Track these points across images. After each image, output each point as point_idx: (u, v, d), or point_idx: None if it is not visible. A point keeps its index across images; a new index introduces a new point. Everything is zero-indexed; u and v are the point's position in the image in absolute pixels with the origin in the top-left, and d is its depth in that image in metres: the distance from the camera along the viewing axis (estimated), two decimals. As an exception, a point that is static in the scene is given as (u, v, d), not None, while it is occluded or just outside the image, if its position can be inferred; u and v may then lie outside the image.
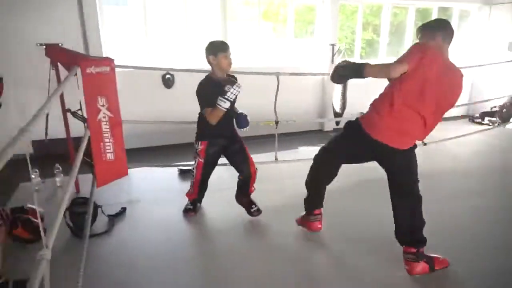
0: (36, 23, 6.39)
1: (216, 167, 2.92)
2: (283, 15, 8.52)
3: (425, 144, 4.07)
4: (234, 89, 2.60)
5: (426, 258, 2.41)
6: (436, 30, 2.38)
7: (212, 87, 2.81)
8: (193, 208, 3.12)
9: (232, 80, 2.83)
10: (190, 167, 3.47)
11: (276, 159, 3.37)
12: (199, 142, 2.93)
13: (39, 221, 1.38)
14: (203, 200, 3.08)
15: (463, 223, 2.93)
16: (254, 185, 3.02)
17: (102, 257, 2.31)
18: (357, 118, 2.58)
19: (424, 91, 2.27)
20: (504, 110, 7.55)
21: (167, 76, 6.44)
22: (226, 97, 2.58)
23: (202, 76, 7.08)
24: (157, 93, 6.83)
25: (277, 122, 3.27)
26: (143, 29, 7.33)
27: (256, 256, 2.43)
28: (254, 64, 7.75)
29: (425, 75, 2.27)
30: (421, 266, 2.38)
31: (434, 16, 9.87)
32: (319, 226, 2.75)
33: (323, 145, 2.74)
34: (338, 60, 8.39)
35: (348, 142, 2.57)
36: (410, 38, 9.78)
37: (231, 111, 2.87)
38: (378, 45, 9.72)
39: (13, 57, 6.43)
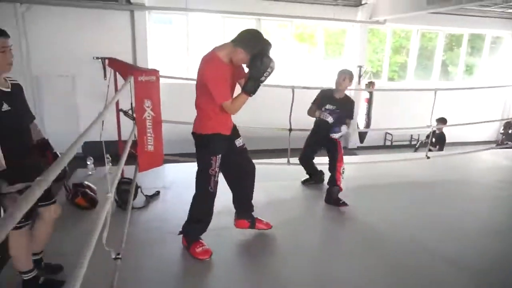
0: (93, 37, 7.40)
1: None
2: (317, 38, 9.09)
3: (428, 157, 4.41)
4: None
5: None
6: None
7: None
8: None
9: None
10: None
11: (288, 161, 3.86)
12: None
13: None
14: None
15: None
16: None
17: (140, 224, 2.92)
18: None
19: None
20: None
21: (203, 89, 7.10)
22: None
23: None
24: (193, 105, 7.47)
25: (290, 130, 3.77)
26: (185, 46, 8.17)
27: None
28: (282, 81, 8.32)
29: None
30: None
31: (465, 42, 10.06)
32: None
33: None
34: (364, 81, 8.79)
35: None
36: (439, 63, 10.00)
37: None
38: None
39: (72, 67, 7.46)
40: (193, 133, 2.50)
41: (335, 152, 3.43)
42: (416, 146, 7.61)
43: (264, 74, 2.24)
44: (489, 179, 4.39)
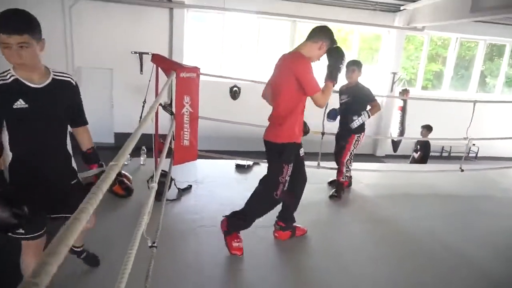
0: (132, 32, 7.66)
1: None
2: (351, 42, 9.01)
3: (462, 170, 4.29)
4: None
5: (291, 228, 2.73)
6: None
7: None
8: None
9: None
10: (245, 163, 4.12)
11: (318, 164, 3.87)
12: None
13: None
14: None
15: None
16: None
17: (173, 215, 3.04)
18: None
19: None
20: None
21: (235, 88, 7.20)
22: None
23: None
24: (224, 103, 7.61)
25: (323, 133, 3.78)
26: (220, 44, 8.31)
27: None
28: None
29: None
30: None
31: (507, 52, 9.68)
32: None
33: None
34: (398, 88, 8.63)
35: None
36: (477, 73, 9.67)
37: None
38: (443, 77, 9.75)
39: (111, 61, 7.75)
40: (266, 141, 2.49)
41: (343, 147, 3.58)
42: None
43: (342, 62, 2.36)
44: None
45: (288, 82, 2.31)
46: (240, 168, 4.08)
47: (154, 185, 1.89)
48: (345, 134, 3.58)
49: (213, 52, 8.48)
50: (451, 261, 2.69)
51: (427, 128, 6.54)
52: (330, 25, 8.47)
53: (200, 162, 4.06)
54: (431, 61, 9.92)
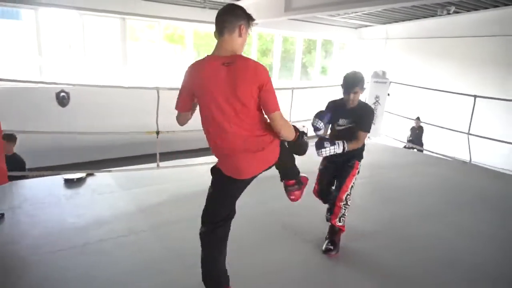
0: None
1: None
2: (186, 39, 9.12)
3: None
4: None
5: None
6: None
7: None
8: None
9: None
10: (75, 176, 3.70)
11: (158, 166, 3.79)
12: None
13: None
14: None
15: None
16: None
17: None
18: None
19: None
20: None
21: (62, 94, 6.37)
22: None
23: (101, 92, 7.04)
24: (50, 112, 6.66)
25: (158, 132, 3.71)
26: (36, 45, 7.17)
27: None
28: (153, 82, 8.07)
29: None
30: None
31: (319, 46, 11.46)
32: None
33: None
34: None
35: None
36: (299, 64, 11.18)
37: None
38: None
39: None
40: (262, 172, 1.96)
41: (344, 177, 2.81)
42: None
43: None
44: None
45: (251, 94, 1.85)
46: (69, 182, 3.64)
47: None
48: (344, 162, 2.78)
49: (30, 54, 7.30)
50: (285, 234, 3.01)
51: None
52: (162, 22, 8.46)
53: (15, 184, 3.45)
54: (263, 55, 10.94)
